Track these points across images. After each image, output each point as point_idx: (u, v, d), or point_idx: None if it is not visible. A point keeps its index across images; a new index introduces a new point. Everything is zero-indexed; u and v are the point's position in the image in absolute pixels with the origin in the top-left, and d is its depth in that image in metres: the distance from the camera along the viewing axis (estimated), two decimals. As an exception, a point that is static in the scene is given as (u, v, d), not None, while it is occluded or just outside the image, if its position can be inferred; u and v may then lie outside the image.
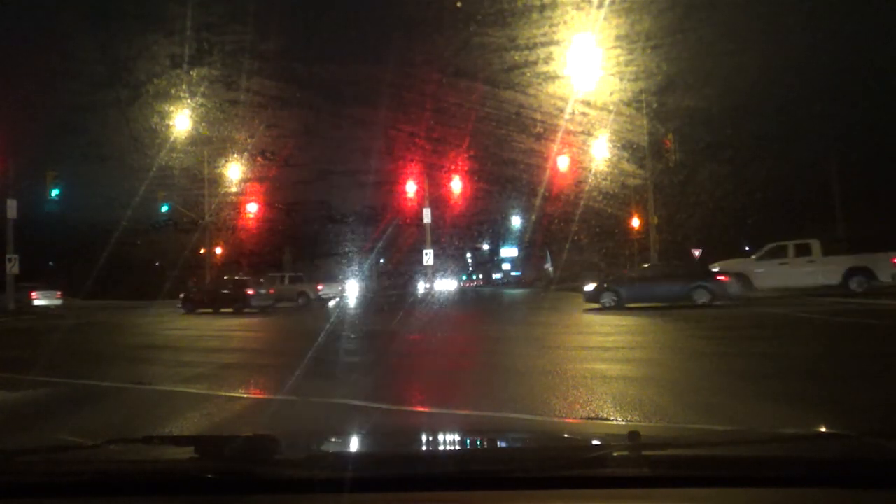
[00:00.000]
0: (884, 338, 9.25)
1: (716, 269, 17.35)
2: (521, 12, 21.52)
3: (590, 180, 29.27)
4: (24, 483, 1.42)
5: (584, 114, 25.07)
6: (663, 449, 1.52)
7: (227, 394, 5.77)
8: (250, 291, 22.34)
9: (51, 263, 38.19)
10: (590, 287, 17.63)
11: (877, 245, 16.50)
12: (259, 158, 33.28)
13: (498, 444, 2.07)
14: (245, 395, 5.87)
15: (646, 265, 21.21)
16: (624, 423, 4.25)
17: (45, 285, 28.91)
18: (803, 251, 17.17)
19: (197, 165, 32.59)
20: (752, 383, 5.59)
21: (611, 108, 24.94)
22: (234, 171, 33.81)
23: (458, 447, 1.98)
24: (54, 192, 25.23)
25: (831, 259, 16.57)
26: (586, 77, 22.47)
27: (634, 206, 31.26)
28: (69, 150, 32.46)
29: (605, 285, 17.34)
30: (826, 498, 1.25)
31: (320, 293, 29.72)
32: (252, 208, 35.51)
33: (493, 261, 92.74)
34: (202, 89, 27.90)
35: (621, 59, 22.13)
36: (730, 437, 2.18)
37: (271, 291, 24.30)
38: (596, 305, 16.74)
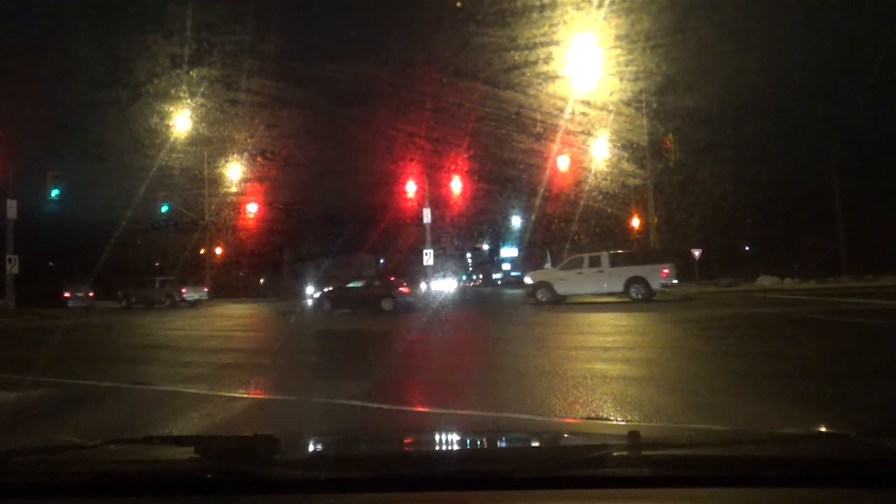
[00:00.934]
0: (883, 338, 9.25)
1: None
2: (521, 12, 21.54)
3: (590, 180, 29.28)
4: (24, 483, 1.42)
5: (584, 114, 25.09)
6: (663, 449, 1.52)
7: (227, 394, 5.77)
8: (404, 289, 20.31)
9: (51, 263, 38.19)
10: (529, 281, 18.28)
11: (652, 258, 19.90)
12: (259, 158, 33.32)
13: (498, 444, 2.07)
14: (245, 395, 5.87)
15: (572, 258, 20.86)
16: (624, 423, 4.25)
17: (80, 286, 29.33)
18: (595, 263, 19.58)
19: (197, 165, 32.64)
20: (751, 383, 5.59)
21: (611, 108, 24.95)
22: (234, 171, 33.86)
23: (458, 447, 1.98)
24: (54, 192, 25.26)
25: (616, 270, 19.08)
26: (586, 77, 22.49)
27: (634, 206, 31.26)
28: (69, 150, 32.48)
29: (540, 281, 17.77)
30: (826, 498, 1.25)
31: (184, 295, 29.66)
32: (252, 208, 35.51)
33: (493, 261, 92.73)
34: (202, 89, 27.94)
35: (621, 59, 22.15)
36: (730, 437, 2.18)
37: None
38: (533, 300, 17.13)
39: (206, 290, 30.97)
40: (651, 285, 18.30)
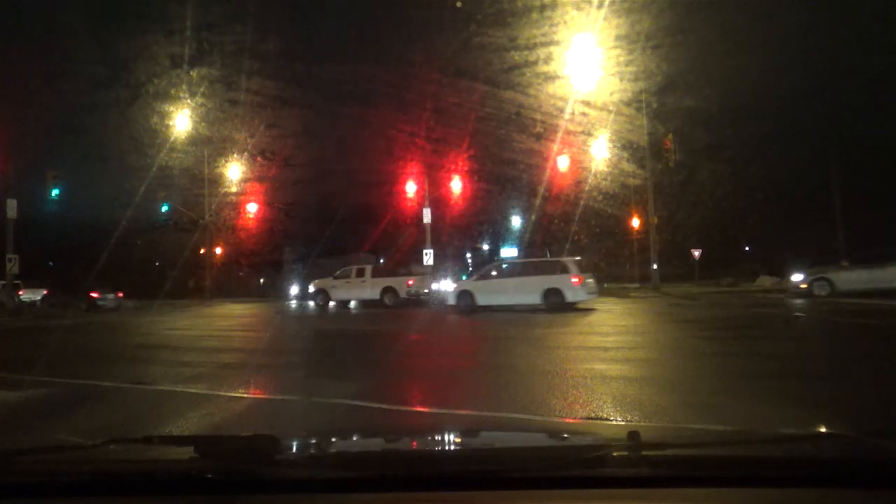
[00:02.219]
0: (883, 338, 9.25)
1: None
2: (521, 12, 21.55)
3: (590, 180, 29.28)
4: (24, 483, 1.42)
5: (584, 114, 25.08)
6: (663, 449, 1.52)
7: (227, 394, 5.77)
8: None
9: (51, 263, 38.19)
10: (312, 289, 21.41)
11: (401, 273, 23.29)
12: (259, 158, 33.32)
13: (498, 444, 2.07)
14: (245, 395, 5.87)
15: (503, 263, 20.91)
16: (624, 423, 4.25)
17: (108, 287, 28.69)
18: (360, 274, 22.88)
19: (197, 165, 32.62)
20: (751, 383, 5.59)
21: (611, 108, 24.94)
22: (234, 170, 33.83)
23: (458, 447, 1.98)
24: (54, 192, 25.24)
25: (376, 280, 22.33)
26: (586, 77, 22.46)
27: (634, 206, 31.26)
28: (69, 150, 32.55)
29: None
30: (826, 498, 1.25)
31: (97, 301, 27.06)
32: (252, 208, 35.49)
33: (492, 261, 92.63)
34: (202, 89, 27.94)
35: (621, 59, 22.15)
36: (730, 437, 2.18)
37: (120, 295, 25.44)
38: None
39: (118, 295, 27.94)
40: (398, 294, 21.77)
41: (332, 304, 22.89)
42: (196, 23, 25.98)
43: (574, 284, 15.68)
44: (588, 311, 15.10)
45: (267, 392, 6.32)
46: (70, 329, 15.38)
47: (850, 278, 16.69)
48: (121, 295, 28.77)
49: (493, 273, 17.73)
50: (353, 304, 23.22)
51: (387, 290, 21.66)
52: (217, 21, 27.62)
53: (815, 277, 17.47)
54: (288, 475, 1.38)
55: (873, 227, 29.16)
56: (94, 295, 27.04)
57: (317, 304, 23.01)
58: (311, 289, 23.96)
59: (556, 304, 15.39)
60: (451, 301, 17.44)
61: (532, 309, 15.62)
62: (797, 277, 18.19)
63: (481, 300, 16.61)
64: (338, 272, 23.79)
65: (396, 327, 14.18)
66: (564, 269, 16.09)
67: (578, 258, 17.59)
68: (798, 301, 16.63)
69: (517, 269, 17.74)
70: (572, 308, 15.41)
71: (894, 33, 25.39)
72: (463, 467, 1.45)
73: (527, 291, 16.04)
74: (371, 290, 22.27)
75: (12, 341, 13.00)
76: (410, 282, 20.39)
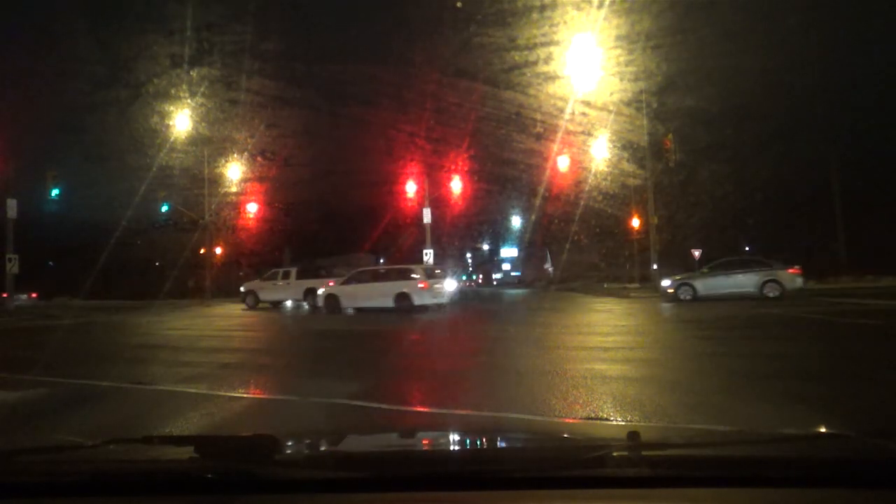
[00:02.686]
0: (883, 338, 9.25)
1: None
2: (521, 12, 21.55)
3: (590, 180, 29.29)
4: (24, 483, 1.41)
5: (584, 114, 25.09)
6: (663, 449, 1.52)
7: (227, 394, 5.77)
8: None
9: (51, 263, 38.19)
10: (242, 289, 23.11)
11: (321, 273, 24.33)
12: (259, 158, 33.31)
13: (498, 444, 2.07)
14: (245, 395, 5.87)
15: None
16: (624, 423, 4.25)
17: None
18: (287, 276, 23.92)
19: (197, 165, 32.58)
20: (751, 383, 5.59)
21: (611, 108, 24.95)
22: (234, 170, 33.79)
23: (458, 447, 1.98)
24: (54, 192, 25.26)
25: (300, 282, 23.11)
26: (586, 77, 22.45)
27: (634, 206, 31.25)
28: (69, 150, 32.49)
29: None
30: (826, 498, 1.25)
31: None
32: (252, 208, 35.47)
33: (493, 261, 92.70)
34: (202, 89, 27.93)
35: (621, 59, 22.15)
36: (730, 438, 2.18)
37: None
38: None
39: (31, 296, 26.87)
40: (259, 294, 23.79)
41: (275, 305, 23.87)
42: (196, 23, 26.00)
43: (421, 289, 17.47)
44: (438, 314, 16.73)
45: (267, 392, 6.32)
46: (70, 329, 15.38)
47: (708, 284, 18.24)
48: (34, 296, 28.36)
49: (356, 279, 19.43)
50: (289, 304, 23.98)
51: (309, 292, 22.17)
52: (217, 21, 27.61)
53: (680, 283, 18.85)
54: (288, 475, 1.38)
55: (873, 228, 29.17)
56: (4, 295, 26.59)
57: (247, 304, 23.75)
58: (242, 289, 25.07)
59: (405, 306, 17.19)
60: (320, 304, 19.07)
61: (386, 310, 17.26)
62: (666, 283, 19.67)
63: (344, 303, 18.42)
64: (266, 274, 25.12)
65: (247, 324, 15.99)
66: (413, 276, 17.95)
67: (429, 265, 19.84)
68: (666, 304, 17.91)
69: (375, 275, 19.69)
70: (422, 311, 17.00)
71: (894, 33, 25.39)
72: (463, 467, 1.45)
73: (382, 295, 17.81)
74: (295, 291, 23.24)
75: (12, 341, 13.00)
76: (331, 283, 20.87)
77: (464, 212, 35.49)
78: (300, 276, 23.59)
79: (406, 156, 30.43)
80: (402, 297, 17.47)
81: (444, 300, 18.69)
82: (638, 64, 22.57)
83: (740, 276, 17.72)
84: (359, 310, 18.08)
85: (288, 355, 9.64)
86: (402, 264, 23.05)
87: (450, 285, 21.48)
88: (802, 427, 3.82)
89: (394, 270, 19.53)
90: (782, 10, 24.17)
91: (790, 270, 17.52)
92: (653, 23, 21.14)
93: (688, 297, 18.08)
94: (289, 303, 24.02)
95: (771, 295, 16.92)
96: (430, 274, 18.31)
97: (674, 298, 18.36)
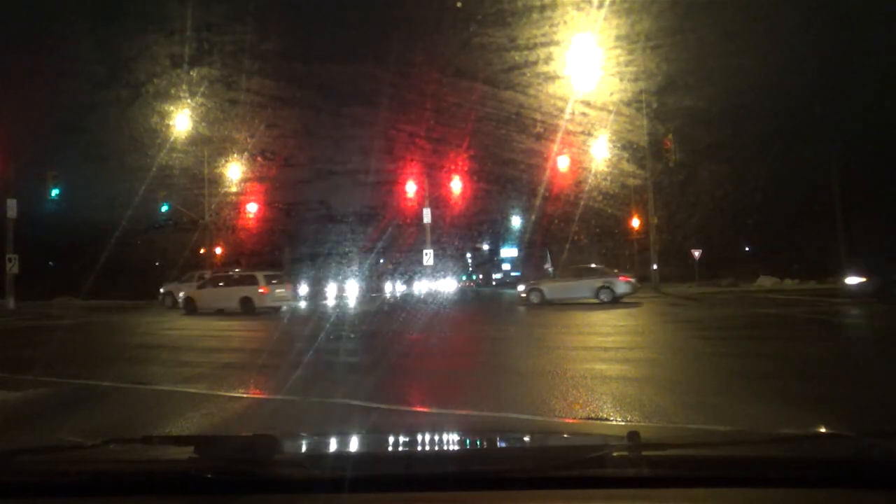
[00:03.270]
0: (883, 339, 9.26)
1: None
2: (521, 12, 21.52)
3: (590, 180, 29.26)
4: (24, 483, 1.41)
5: (584, 114, 25.05)
6: (663, 449, 1.52)
7: (227, 394, 5.77)
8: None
9: (51, 263, 38.16)
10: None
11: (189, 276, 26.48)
12: (259, 158, 33.29)
13: (498, 444, 2.07)
14: (245, 395, 5.87)
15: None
16: (624, 423, 4.25)
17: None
18: (201, 279, 24.93)
19: (197, 165, 32.56)
20: (752, 383, 5.59)
21: (611, 108, 24.92)
22: (234, 170, 33.78)
23: (458, 447, 1.98)
24: (54, 192, 25.23)
25: (183, 285, 24.56)
26: (586, 77, 22.43)
27: (634, 206, 31.24)
28: (69, 150, 32.45)
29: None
30: (826, 498, 1.25)
31: None
32: (252, 208, 35.47)
33: (492, 261, 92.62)
34: (202, 89, 27.91)
35: (621, 59, 22.13)
36: (730, 438, 2.18)
37: None
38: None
39: None
40: (178, 297, 24.84)
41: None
42: (196, 23, 25.96)
43: (262, 294, 19.51)
44: (278, 315, 18.97)
45: (267, 392, 6.32)
46: (70, 329, 15.38)
47: (555, 288, 19.68)
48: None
49: (210, 283, 21.67)
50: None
51: (167, 294, 25.30)
52: (217, 21, 27.59)
53: (531, 287, 20.10)
54: (288, 475, 1.38)
55: (873, 228, 29.16)
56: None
57: (165, 304, 25.62)
58: (162, 290, 26.79)
59: (249, 308, 19.37)
60: (181, 305, 21.53)
61: (234, 312, 19.43)
62: (521, 287, 21.20)
63: (200, 305, 20.51)
64: (183, 276, 26.74)
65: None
66: (255, 281, 19.98)
67: (271, 273, 21.59)
68: (521, 307, 19.14)
69: (223, 281, 21.44)
70: (263, 313, 19.11)
71: (894, 33, 25.39)
72: (463, 467, 1.45)
73: (229, 299, 19.89)
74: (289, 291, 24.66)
75: (12, 341, 13.00)
76: (193, 285, 22.94)
77: (464, 212, 35.49)
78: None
79: (406, 156, 30.44)
80: (246, 301, 19.55)
81: (284, 304, 20.77)
82: (638, 64, 22.57)
83: (581, 282, 19.06)
84: (209, 310, 20.13)
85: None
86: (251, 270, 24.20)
87: (294, 290, 24.70)
88: (802, 427, 3.82)
89: (240, 276, 21.43)
90: (782, 10, 24.17)
91: (621, 278, 19.09)
92: (653, 23, 21.14)
93: (536, 301, 19.25)
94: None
95: (605, 299, 18.21)
96: (269, 280, 20.32)
97: (525, 302, 19.56)
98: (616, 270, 20.05)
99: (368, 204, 40.49)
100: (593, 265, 21.55)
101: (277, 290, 20.27)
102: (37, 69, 33.85)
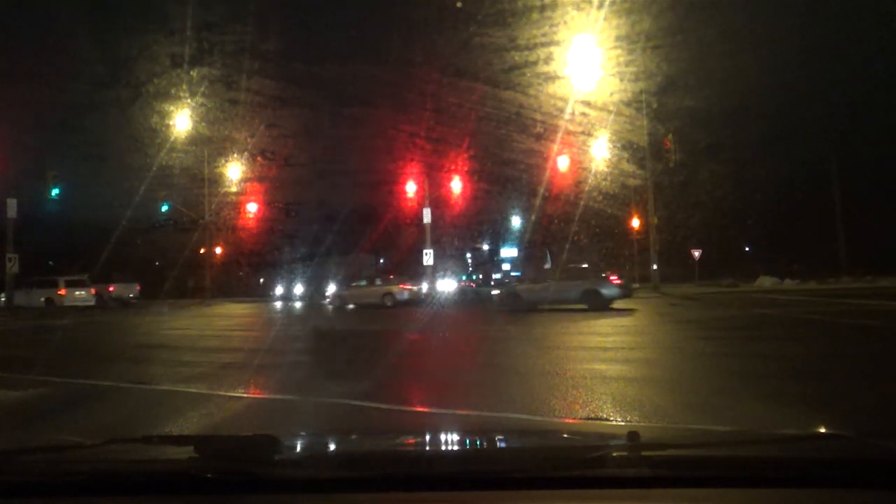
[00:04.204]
0: (883, 339, 9.25)
1: None
2: (521, 12, 21.52)
3: (590, 180, 29.24)
4: (24, 483, 1.41)
5: (584, 114, 25.05)
6: (663, 449, 1.52)
7: (227, 393, 5.77)
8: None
9: (51, 263, 38.15)
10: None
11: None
12: (259, 158, 33.29)
13: (498, 444, 2.07)
14: (245, 395, 5.86)
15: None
16: (623, 423, 4.25)
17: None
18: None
19: (197, 165, 32.58)
20: (751, 383, 5.59)
21: (611, 108, 24.92)
22: (234, 170, 33.80)
23: (458, 447, 1.98)
24: (54, 192, 25.22)
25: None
26: (586, 77, 22.42)
27: (634, 207, 31.23)
28: (69, 150, 32.48)
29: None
30: (826, 498, 1.25)
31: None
32: (252, 208, 35.46)
33: (492, 261, 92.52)
34: (202, 89, 27.91)
35: (621, 59, 22.12)
36: (729, 438, 2.18)
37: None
38: None
39: None
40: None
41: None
42: (196, 23, 25.99)
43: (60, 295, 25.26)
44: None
45: (267, 392, 6.32)
46: (70, 329, 15.38)
47: (534, 291, 18.09)
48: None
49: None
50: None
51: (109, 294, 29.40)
52: (217, 21, 27.62)
53: (507, 291, 19.44)
54: (288, 475, 1.38)
55: (873, 228, 29.16)
56: (110, 289, 28.09)
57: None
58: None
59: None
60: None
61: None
62: (494, 292, 20.64)
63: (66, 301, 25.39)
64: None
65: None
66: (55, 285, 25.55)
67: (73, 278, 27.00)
68: (494, 313, 17.94)
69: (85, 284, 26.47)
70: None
71: (894, 33, 25.39)
72: (463, 467, 1.45)
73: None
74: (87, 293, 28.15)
75: (12, 341, 12.99)
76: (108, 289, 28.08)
77: (464, 212, 35.48)
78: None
79: (406, 156, 30.43)
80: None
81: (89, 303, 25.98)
82: (638, 64, 22.57)
83: (563, 284, 17.41)
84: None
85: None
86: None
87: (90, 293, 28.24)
88: (802, 427, 3.82)
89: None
90: (782, 10, 24.18)
91: (610, 280, 17.20)
92: (653, 23, 21.13)
93: (511, 306, 17.64)
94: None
95: (590, 305, 16.25)
96: (70, 283, 26.19)
97: (500, 307, 18.26)
98: (605, 274, 17.67)
99: (369, 204, 40.46)
100: (584, 265, 19.69)
101: (77, 292, 26.09)
102: (37, 69, 33.85)
